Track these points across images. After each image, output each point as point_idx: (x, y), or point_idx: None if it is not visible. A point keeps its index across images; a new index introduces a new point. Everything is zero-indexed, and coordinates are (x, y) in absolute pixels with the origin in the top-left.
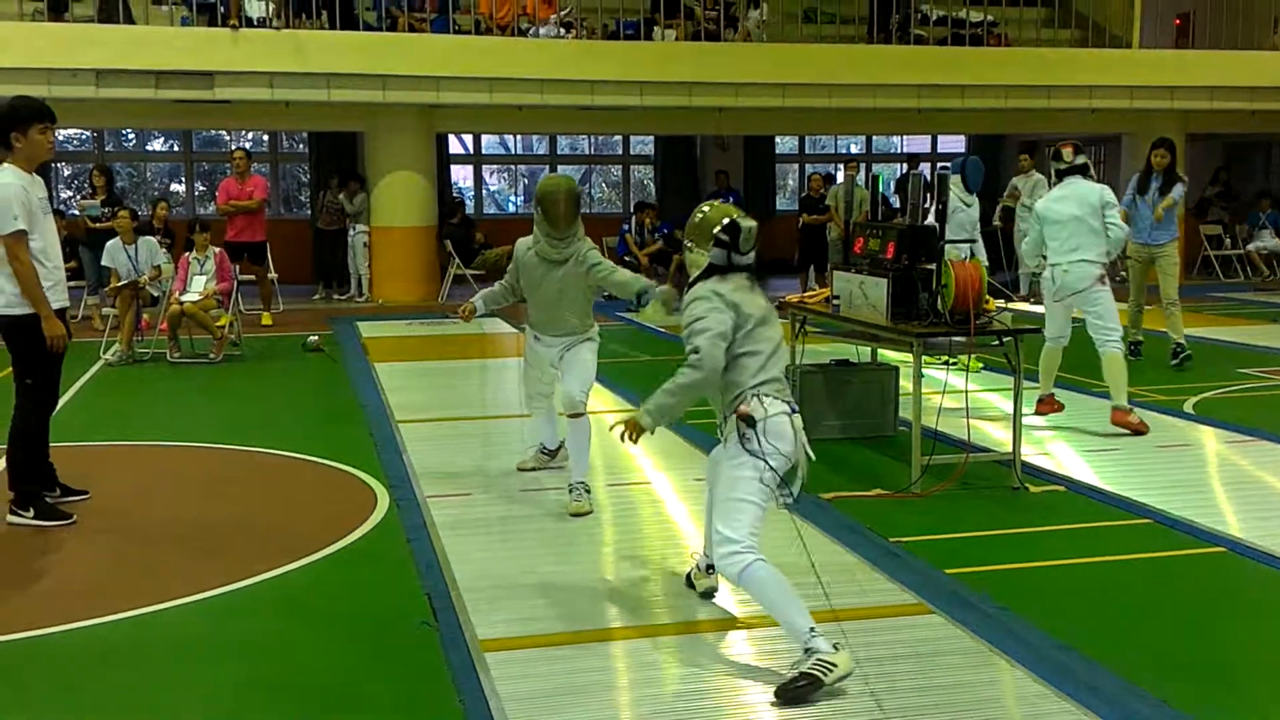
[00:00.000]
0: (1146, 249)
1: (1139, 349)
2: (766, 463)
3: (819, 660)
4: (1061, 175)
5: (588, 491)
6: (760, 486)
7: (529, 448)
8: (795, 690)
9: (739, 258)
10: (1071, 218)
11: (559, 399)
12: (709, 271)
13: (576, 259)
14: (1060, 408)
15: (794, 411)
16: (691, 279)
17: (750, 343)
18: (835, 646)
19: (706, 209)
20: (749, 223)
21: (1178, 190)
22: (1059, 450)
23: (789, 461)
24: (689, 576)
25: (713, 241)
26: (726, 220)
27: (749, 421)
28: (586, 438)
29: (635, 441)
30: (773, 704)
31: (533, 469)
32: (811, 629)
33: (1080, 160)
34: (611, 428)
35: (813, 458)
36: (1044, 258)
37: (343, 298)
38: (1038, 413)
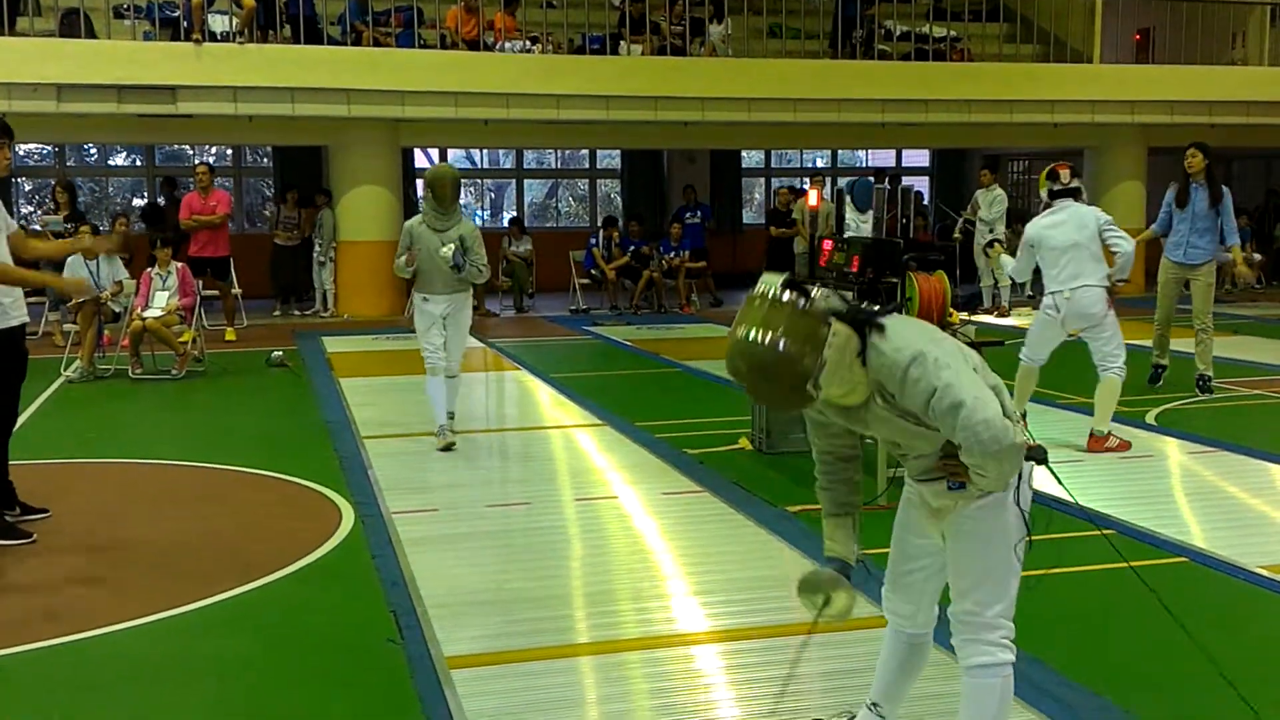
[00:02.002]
0: (1181, 268)
1: (1161, 375)
2: (1025, 521)
3: None
4: (1055, 196)
5: (453, 432)
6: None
7: (440, 428)
8: None
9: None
10: (1070, 244)
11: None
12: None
13: (461, 234)
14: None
15: None
16: (860, 347)
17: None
18: None
19: (757, 297)
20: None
21: (1230, 232)
22: None
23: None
24: None
25: (828, 310)
26: (780, 281)
27: (1040, 458)
28: (456, 392)
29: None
30: None
31: (449, 445)
32: None
33: (1075, 183)
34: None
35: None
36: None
37: (308, 313)
38: None
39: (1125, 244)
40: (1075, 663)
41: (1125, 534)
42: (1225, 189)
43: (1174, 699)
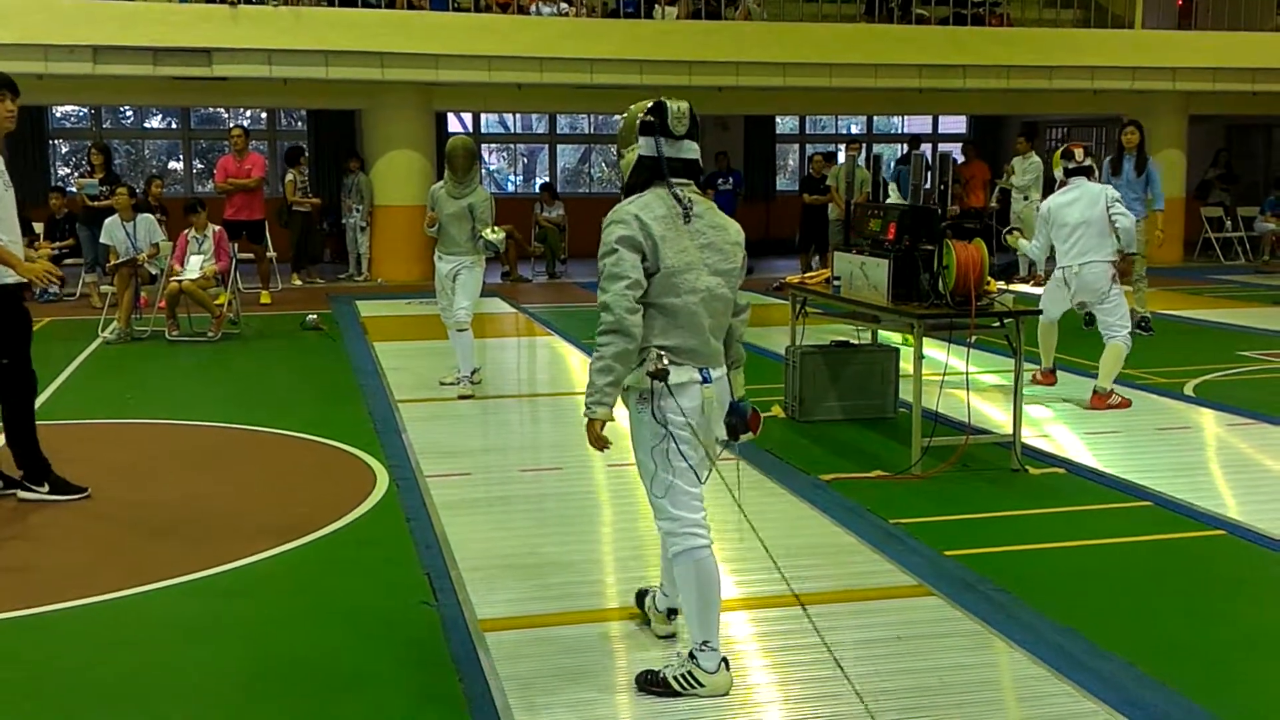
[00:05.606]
0: None
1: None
2: (667, 431)
3: (689, 674)
4: (1070, 174)
5: (472, 383)
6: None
7: (453, 368)
8: (650, 690)
9: (673, 146)
10: (1079, 222)
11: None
12: (639, 176)
13: (470, 201)
14: (1054, 382)
15: (705, 381)
16: (624, 188)
17: (667, 293)
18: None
19: (632, 105)
20: (680, 102)
21: (1158, 197)
22: (1059, 432)
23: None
24: (640, 599)
25: (638, 130)
26: (652, 102)
27: (660, 377)
28: (469, 346)
29: (604, 446)
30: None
31: (452, 383)
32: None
33: (1088, 162)
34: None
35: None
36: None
37: (341, 276)
38: (1034, 382)
39: (1124, 219)
40: (1108, 633)
41: (1163, 506)
42: (1150, 158)
43: (1207, 668)
